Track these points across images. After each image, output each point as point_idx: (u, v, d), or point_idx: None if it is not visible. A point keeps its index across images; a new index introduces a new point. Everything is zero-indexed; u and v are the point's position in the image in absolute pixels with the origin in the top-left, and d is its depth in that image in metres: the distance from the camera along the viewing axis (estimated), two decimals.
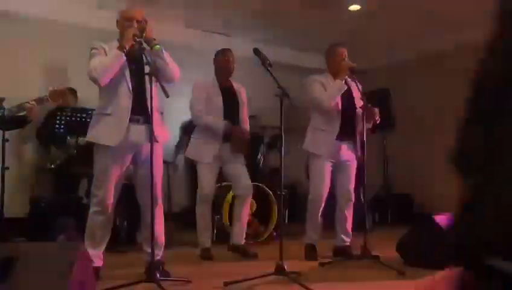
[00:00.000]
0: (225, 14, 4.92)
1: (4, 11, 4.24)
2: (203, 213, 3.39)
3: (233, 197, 3.85)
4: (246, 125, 3.51)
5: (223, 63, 3.42)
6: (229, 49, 3.49)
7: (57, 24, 4.52)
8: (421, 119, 5.83)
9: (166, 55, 2.57)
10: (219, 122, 3.31)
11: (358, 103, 3.32)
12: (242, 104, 3.48)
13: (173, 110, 4.39)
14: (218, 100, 3.36)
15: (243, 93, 3.51)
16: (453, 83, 5.45)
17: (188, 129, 5.11)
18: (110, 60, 2.48)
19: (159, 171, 2.64)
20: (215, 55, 3.50)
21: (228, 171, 3.46)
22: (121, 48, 2.46)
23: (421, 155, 5.82)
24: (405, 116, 5.36)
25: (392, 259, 2.98)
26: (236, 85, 3.51)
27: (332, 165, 3.29)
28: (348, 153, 3.30)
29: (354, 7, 4.76)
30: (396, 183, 5.72)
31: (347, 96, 3.27)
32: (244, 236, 3.46)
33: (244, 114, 3.50)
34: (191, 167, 5.25)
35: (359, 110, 3.28)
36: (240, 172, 3.42)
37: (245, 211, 3.43)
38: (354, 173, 3.35)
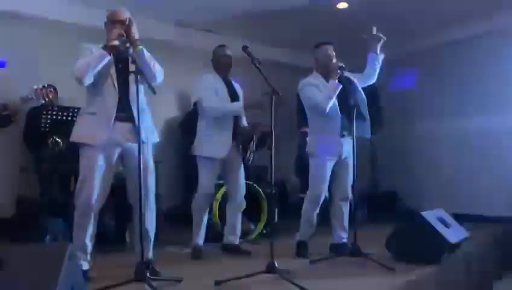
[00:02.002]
0: (216, 12, 4.90)
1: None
2: (199, 211, 3.34)
3: (223, 196, 3.85)
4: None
5: (224, 58, 3.39)
6: (226, 45, 3.45)
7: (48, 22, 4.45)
8: (409, 118, 5.89)
9: (148, 56, 2.55)
10: (234, 104, 3.29)
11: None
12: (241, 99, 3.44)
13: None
14: (224, 92, 3.31)
15: (240, 90, 3.49)
16: (442, 82, 5.57)
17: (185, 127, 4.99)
18: (92, 59, 2.47)
19: (150, 171, 2.62)
20: (215, 51, 3.45)
21: (228, 177, 3.43)
22: (105, 47, 2.46)
23: (408, 153, 5.88)
24: (393, 115, 5.39)
25: (382, 255, 3.00)
26: (234, 82, 3.48)
27: (334, 164, 3.29)
28: (348, 149, 3.27)
29: (342, 5, 4.77)
30: (382, 181, 5.76)
31: (342, 93, 3.24)
32: (239, 236, 3.48)
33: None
34: (187, 165, 5.19)
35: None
36: (240, 182, 3.40)
37: (239, 215, 3.46)
38: (352, 170, 3.33)
